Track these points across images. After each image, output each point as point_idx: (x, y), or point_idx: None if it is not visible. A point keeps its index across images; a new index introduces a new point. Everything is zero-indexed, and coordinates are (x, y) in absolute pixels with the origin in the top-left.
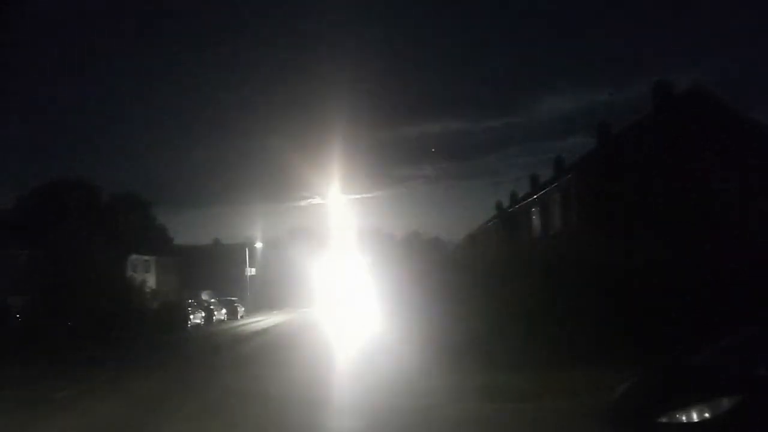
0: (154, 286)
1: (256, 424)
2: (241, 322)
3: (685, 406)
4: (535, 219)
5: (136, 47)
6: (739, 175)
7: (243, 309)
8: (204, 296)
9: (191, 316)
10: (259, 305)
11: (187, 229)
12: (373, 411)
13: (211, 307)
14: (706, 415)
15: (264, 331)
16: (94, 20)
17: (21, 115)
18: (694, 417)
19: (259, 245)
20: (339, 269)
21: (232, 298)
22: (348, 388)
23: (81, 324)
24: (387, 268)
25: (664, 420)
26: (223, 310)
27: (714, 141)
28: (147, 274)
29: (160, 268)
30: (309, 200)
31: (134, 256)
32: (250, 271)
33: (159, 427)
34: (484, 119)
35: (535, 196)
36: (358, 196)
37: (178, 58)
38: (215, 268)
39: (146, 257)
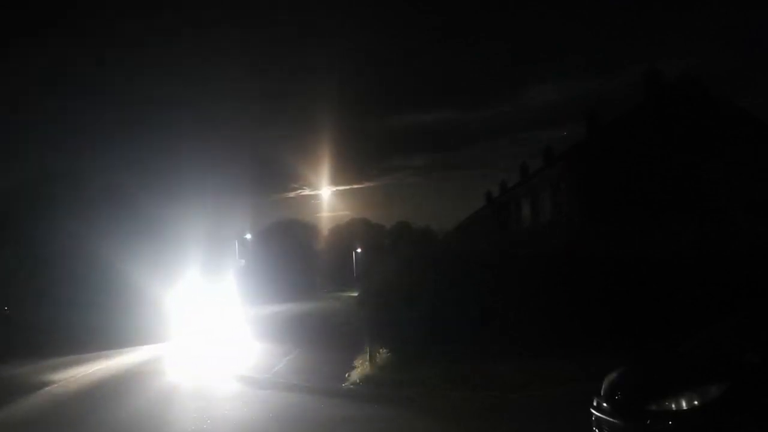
0: None
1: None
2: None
3: (675, 394)
4: (525, 208)
5: (123, 38)
6: (727, 165)
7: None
8: None
9: None
10: (249, 297)
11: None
12: (361, 400)
13: None
14: (695, 402)
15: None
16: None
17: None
18: (683, 404)
19: (248, 236)
20: (329, 259)
21: None
22: (333, 376)
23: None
24: (377, 259)
25: (653, 408)
26: None
27: (703, 130)
28: None
29: None
30: (298, 191)
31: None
32: (240, 262)
33: None
34: (474, 109)
35: (524, 186)
36: (347, 187)
37: (166, 49)
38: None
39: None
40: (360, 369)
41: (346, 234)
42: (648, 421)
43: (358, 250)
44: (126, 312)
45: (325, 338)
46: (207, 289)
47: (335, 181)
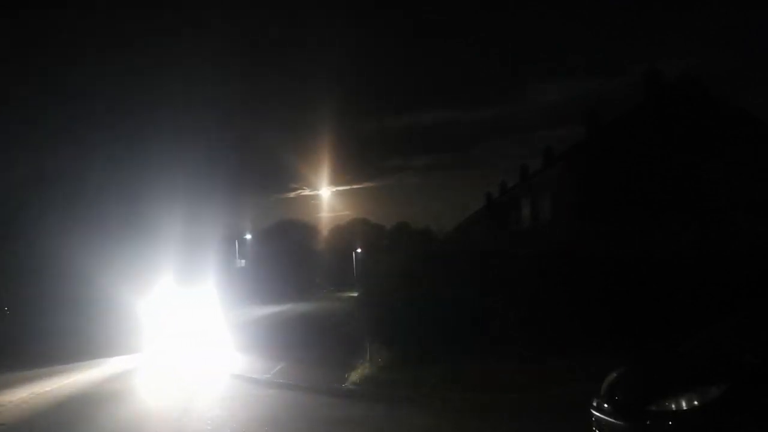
0: None
1: None
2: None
3: (675, 394)
4: (525, 208)
5: (123, 38)
6: (727, 165)
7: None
8: None
9: None
10: (250, 297)
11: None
12: (360, 400)
13: None
14: (695, 402)
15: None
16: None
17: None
18: (683, 405)
19: (248, 237)
20: (329, 259)
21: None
22: (338, 376)
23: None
24: (377, 259)
25: (653, 408)
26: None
27: (703, 130)
28: None
29: None
30: (298, 192)
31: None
32: (240, 263)
33: None
34: (474, 109)
35: (524, 186)
36: (347, 187)
37: (166, 49)
38: None
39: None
40: (360, 369)
41: (346, 234)
42: (648, 422)
43: (358, 250)
44: (115, 318)
45: (324, 338)
46: (205, 291)
47: (335, 182)
